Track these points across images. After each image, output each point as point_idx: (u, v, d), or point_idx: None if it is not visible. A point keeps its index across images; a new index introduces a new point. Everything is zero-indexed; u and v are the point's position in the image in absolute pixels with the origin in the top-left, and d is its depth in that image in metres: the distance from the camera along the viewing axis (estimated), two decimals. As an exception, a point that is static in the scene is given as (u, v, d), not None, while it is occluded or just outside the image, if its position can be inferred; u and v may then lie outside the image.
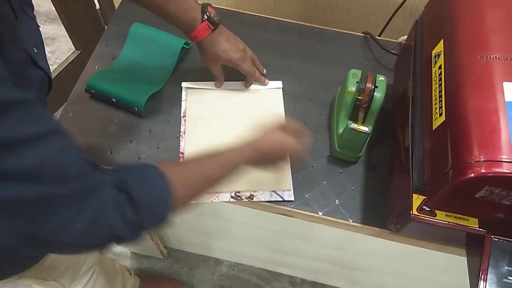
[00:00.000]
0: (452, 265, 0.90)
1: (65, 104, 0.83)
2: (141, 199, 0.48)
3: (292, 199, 0.74)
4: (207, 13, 0.74)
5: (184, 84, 0.86)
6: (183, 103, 0.84)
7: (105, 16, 1.61)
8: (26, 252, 0.63)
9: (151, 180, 0.51)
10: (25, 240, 0.41)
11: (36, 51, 0.56)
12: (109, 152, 0.77)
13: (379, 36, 1.00)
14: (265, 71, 0.88)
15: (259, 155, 0.63)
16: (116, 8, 1.02)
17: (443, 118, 0.54)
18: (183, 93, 0.85)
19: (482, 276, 0.54)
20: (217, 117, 0.83)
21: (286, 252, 1.18)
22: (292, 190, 0.75)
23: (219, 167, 0.59)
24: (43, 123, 0.39)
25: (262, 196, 0.74)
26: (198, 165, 0.58)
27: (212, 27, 0.75)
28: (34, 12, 0.60)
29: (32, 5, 0.59)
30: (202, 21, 0.74)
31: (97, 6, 1.57)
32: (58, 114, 0.77)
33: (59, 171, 0.40)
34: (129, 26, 0.90)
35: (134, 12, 0.96)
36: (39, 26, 0.61)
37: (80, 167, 0.43)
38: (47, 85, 0.60)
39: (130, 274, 1.22)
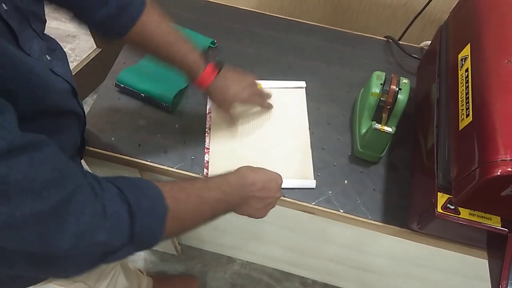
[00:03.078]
0: (467, 269, 0.91)
1: (95, 97, 0.85)
2: (139, 212, 0.47)
3: (314, 186, 0.76)
4: (209, 55, 0.72)
5: None
6: (208, 99, 0.86)
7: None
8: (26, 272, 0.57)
9: (150, 194, 0.50)
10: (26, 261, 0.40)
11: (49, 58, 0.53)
12: (138, 145, 0.79)
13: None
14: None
15: (246, 183, 0.64)
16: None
17: (470, 119, 0.56)
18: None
19: (504, 276, 0.56)
20: (241, 113, 0.85)
21: (299, 252, 1.19)
22: (314, 180, 0.77)
23: (210, 191, 0.59)
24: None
25: (285, 182, 0.74)
26: (193, 188, 0.57)
27: (218, 69, 0.72)
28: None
29: (45, 20, 0.56)
30: (207, 63, 0.71)
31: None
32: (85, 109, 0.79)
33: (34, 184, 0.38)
34: (158, 24, 0.93)
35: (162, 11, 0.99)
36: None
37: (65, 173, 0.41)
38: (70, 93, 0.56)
39: (142, 273, 1.24)
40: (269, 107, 0.84)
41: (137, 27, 0.63)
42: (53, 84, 0.49)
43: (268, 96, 0.84)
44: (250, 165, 0.67)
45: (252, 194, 0.64)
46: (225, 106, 0.77)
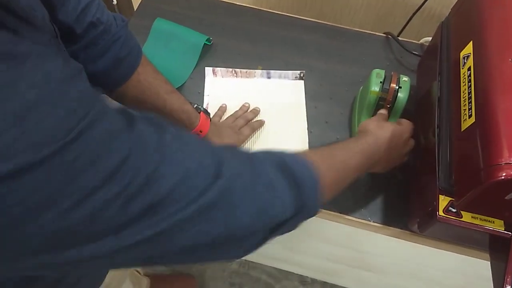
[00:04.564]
0: (468, 268, 0.90)
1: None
2: (301, 176, 0.43)
3: None
4: (196, 105, 0.70)
5: (207, 70, 0.87)
6: (205, 98, 0.84)
7: (122, 11, 1.62)
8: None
9: (297, 158, 0.46)
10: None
11: None
12: (131, 146, 0.77)
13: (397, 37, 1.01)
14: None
15: (379, 142, 0.61)
16: (133, 3, 1.02)
17: (472, 119, 0.54)
18: (206, 86, 0.86)
19: (508, 280, 0.54)
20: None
21: (298, 251, 1.18)
22: None
23: (352, 153, 0.56)
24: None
25: None
26: (335, 151, 0.55)
27: (208, 115, 0.72)
28: None
29: None
30: (199, 111, 0.70)
31: (114, 1, 1.58)
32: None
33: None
34: (152, 21, 0.91)
35: (157, 8, 0.97)
36: None
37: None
38: None
39: (140, 274, 1.22)
40: (261, 125, 0.82)
41: (134, 79, 0.61)
42: None
43: (256, 112, 0.83)
44: None
45: (382, 154, 0.62)
46: None
